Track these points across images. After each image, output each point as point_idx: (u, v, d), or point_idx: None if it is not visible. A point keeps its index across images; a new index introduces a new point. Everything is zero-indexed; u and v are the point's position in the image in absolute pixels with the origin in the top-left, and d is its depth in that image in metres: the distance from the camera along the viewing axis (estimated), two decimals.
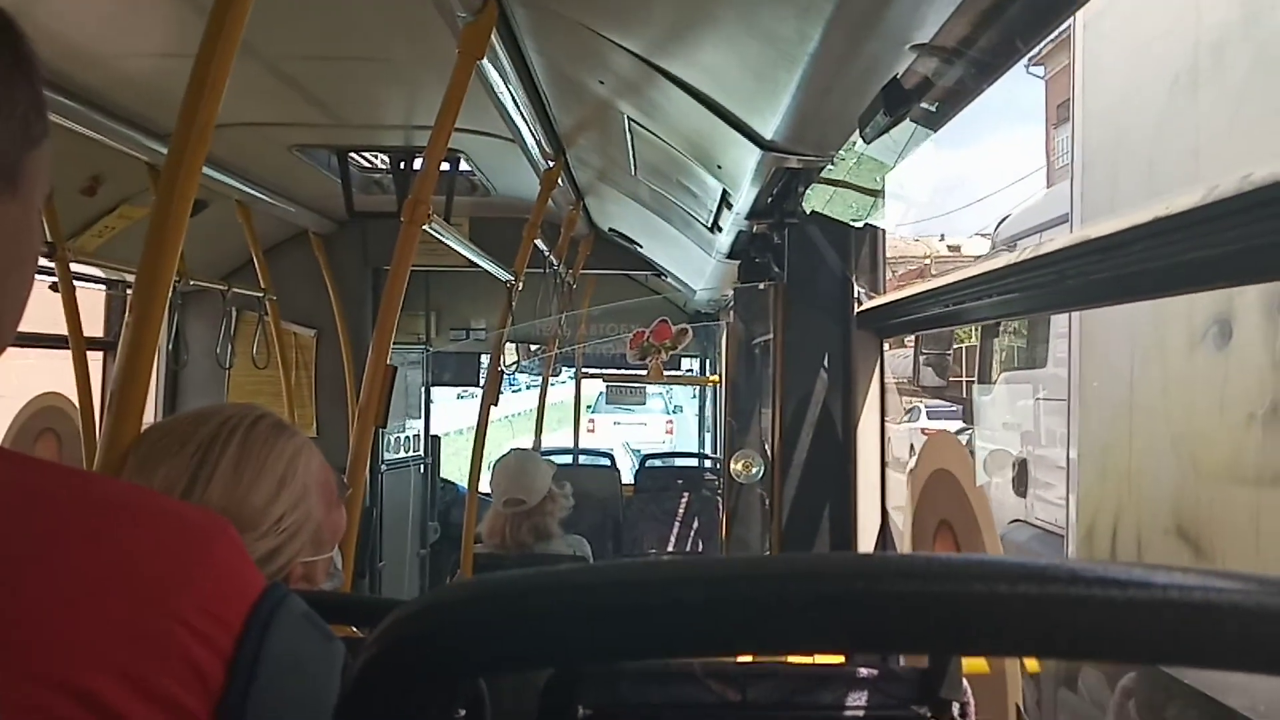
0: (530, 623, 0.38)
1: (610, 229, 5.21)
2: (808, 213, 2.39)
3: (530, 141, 3.02)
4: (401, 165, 3.68)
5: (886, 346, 2.62)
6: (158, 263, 1.44)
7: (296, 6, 2.30)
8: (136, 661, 0.61)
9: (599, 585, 0.38)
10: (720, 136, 2.15)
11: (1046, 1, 1.21)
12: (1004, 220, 8.26)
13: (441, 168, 3.69)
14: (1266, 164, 0.89)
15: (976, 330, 8.30)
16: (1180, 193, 1.01)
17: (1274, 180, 0.85)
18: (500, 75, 2.36)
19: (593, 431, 14.81)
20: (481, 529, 3.79)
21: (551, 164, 3.42)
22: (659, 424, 17.68)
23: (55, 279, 3.49)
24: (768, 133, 1.94)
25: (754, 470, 2.86)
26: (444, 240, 2.66)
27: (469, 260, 3.35)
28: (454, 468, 7.23)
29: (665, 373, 3.67)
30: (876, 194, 2.28)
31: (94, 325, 4.39)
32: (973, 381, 8.22)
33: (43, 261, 3.23)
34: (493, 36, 2.08)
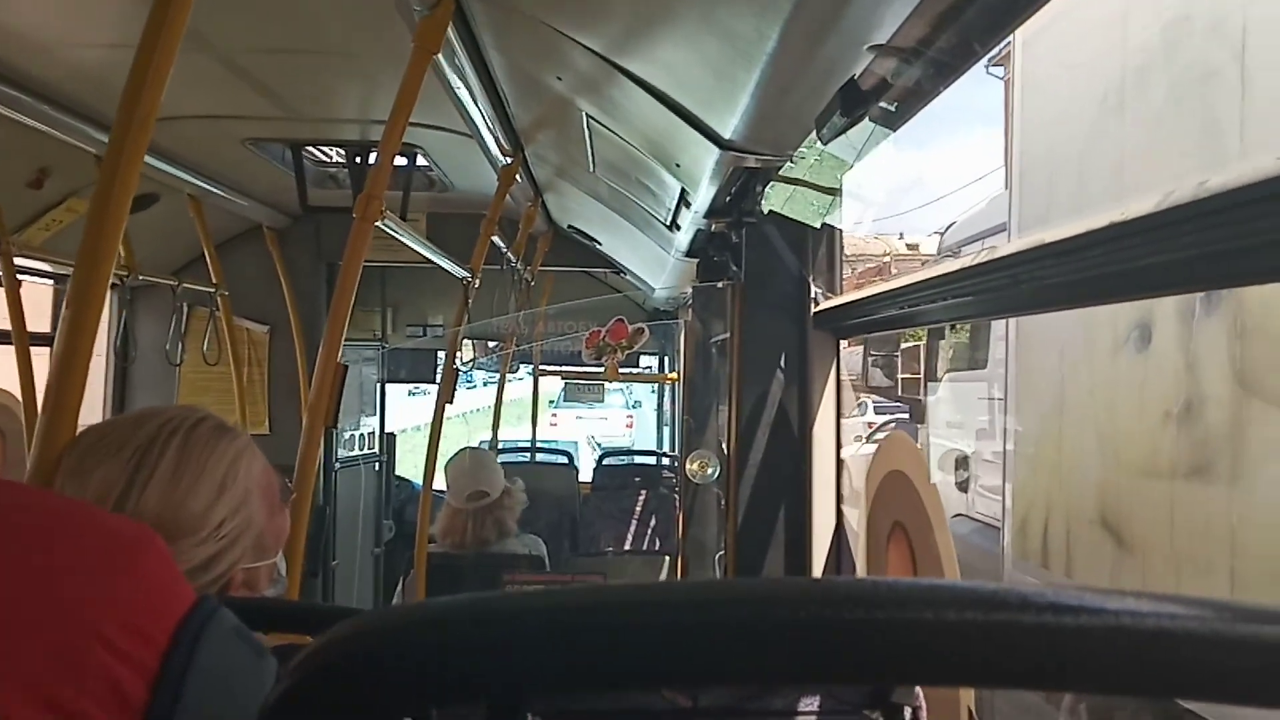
0: (470, 653, 0.36)
1: (569, 226, 5.19)
2: (765, 212, 2.38)
3: (488, 137, 2.99)
4: (357, 160, 3.64)
5: (845, 345, 2.62)
6: (96, 256, 1.40)
7: None
8: (53, 683, 0.58)
9: (546, 610, 0.36)
10: (679, 135, 2.13)
11: (1003, 4, 1.21)
12: (950, 226, 8.44)
13: (398, 163, 3.67)
14: (1183, 182, 0.90)
15: (923, 331, 8.47)
16: (1102, 208, 1.01)
17: (1228, 188, 0.85)
18: (457, 70, 2.33)
19: (555, 425, 15.51)
20: (435, 529, 3.76)
21: (510, 160, 3.39)
22: (620, 418, 18.47)
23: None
24: (726, 132, 1.93)
25: (709, 471, 2.85)
26: (398, 237, 2.63)
27: (426, 256, 3.32)
28: (410, 465, 7.17)
29: (622, 371, 3.65)
30: (835, 193, 2.28)
31: (42, 321, 4.29)
32: (919, 380, 8.45)
33: None
34: (449, 31, 2.05)
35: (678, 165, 2.48)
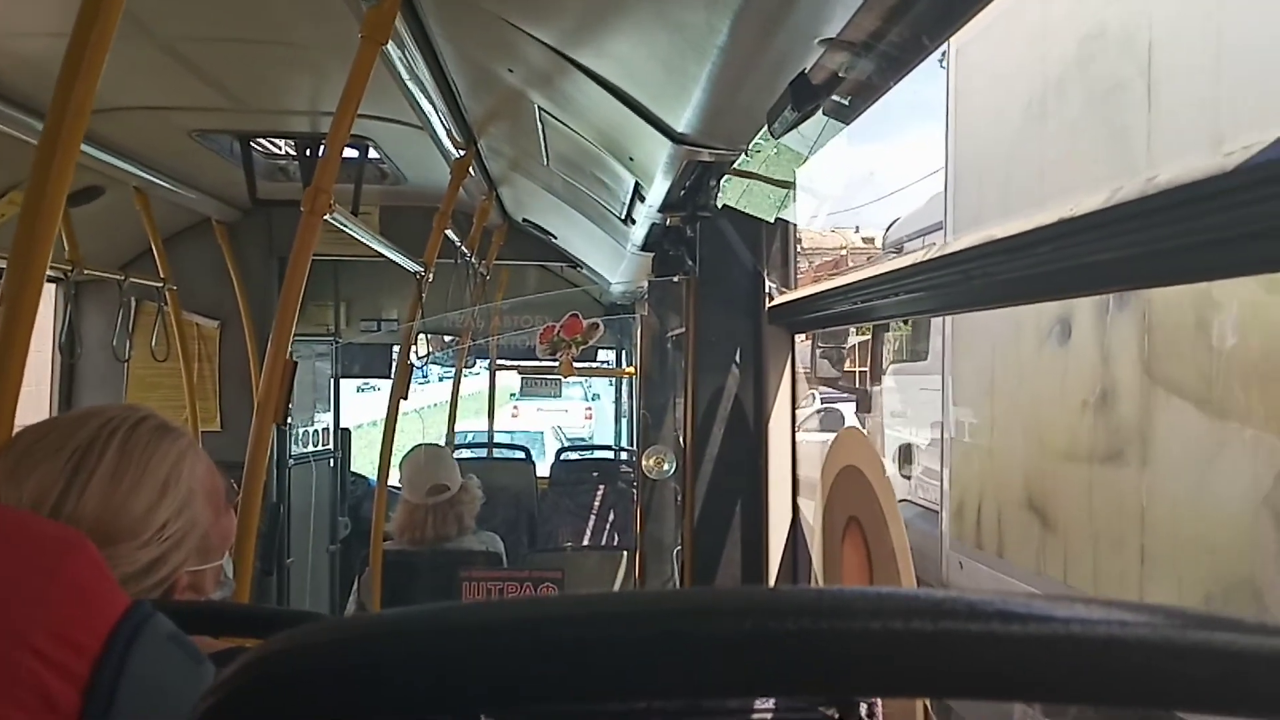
0: (396, 671, 0.34)
1: (524, 219, 5.15)
2: (719, 206, 2.38)
3: (440, 130, 2.96)
4: (307, 152, 3.58)
5: (802, 339, 2.62)
6: (31, 250, 1.36)
7: None
8: None
9: (497, 624, 0.35)
10: (632, 128, 2.12)
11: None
12: (894, 223, 8.60)
13: (350, 155, 3.61)
14: (1093, 190, 0.91)
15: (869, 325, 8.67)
16: (1031, 211, 1.02)
17: (1175, 184, 0.85)
18: (406, 61, 2.30)
19: (516, 416, 16.03)
20: (391, 527, 3.72)
21: (462, 153, 3.36)
22: (580, 410, 19.33)
23: None
24: (679, 125, 1.92)
25: (665, 467, 2.84)
26: (348, 230, 2.59)
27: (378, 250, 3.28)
28: (366, 461, 7.10)
29: (578, 365, 3.64)
30: (789, 187, 2.27)
31: None
32: (865, 372, 8.68)
33: None
34: (398, 21, 2.02)
35: (631, 159, 2.47)
